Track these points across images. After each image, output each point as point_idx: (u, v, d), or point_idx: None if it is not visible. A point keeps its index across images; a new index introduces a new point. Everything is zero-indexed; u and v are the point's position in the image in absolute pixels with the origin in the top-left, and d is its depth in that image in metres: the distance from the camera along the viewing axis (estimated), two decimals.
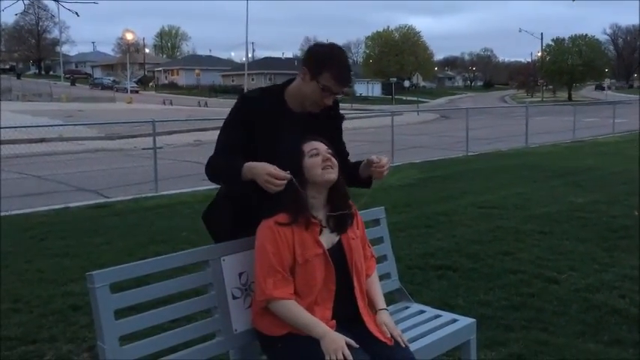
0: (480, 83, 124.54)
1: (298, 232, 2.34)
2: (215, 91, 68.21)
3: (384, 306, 2.54)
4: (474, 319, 2.98)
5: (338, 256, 2.40)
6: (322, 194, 2.43)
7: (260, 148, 2.50)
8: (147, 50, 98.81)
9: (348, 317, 2.40)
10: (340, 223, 2.45)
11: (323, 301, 2.36)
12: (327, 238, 2.41)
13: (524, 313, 4.12)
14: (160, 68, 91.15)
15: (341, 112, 2.77)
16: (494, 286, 4.69)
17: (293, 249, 2.32)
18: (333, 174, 2.39)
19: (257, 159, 2.41)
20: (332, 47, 2.54)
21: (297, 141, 2.45)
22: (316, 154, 2.39)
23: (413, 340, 2.69)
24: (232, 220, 2.63)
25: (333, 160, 2.41)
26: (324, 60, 2.46)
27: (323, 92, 2.47)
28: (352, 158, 2.82)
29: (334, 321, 2.34)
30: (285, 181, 2.32)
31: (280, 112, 2.55)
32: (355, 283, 2.44)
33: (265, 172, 2.32)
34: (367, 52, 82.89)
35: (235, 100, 2.64)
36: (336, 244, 2.43)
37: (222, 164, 2.50)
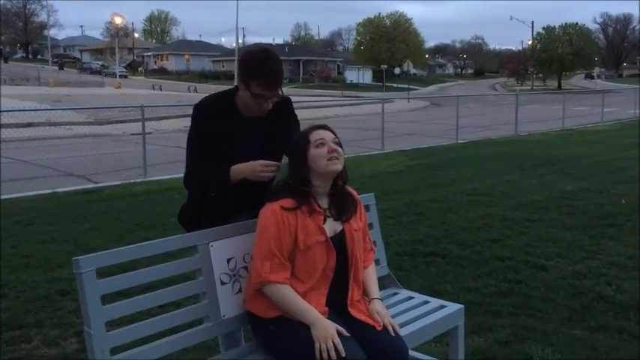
0: (470, 71, 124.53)
1: (302, 218, 2.34)
2: (205, 76, 67.75)
3: (378, 295, 2.55)
4: (462, 306, 2.99)
5: (339, 245, 2.41)
6: (327, 183, 2.43)
7: (219, 154, 2.55)
8: (136, 35, 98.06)
9: (341, 305, 2.40)
10: (343, 211, 2.46)
11: (319, 287, 2.36)
12: (331, 226, 2.41)
13: (511, 300, 4.15)
14: (150, 53, 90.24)
15: (297, 114, 2.78)
16: (483, 273, 4.72)
17: (295, 234, 2.32)
18: (338, 164, 2.40)
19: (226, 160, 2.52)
20: (257, 53, 2.53)
21: (303, 130, 2.47)
22: (322, 144, 2.38)
23: (402, 325, 2.69)
24: (212, 221, 2.59)
25: (339, 150, 2.42)
26: (250, 69, 2.49)
27: (256, 100, 2.50)
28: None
29: (327, 308, 2.35)
30: (275, 168, 2.48)
31: (233, 117, 2.58)
32: (351, 273, 2.45)
33: (256, 165, 2.48)
34: (358, 38, 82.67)
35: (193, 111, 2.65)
36: (339, 233, 2.43)
37: (208, 172, 2.57)
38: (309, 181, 2.39)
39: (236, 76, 2.55)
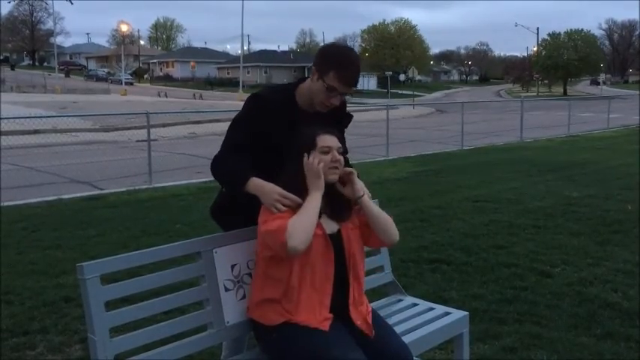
0: (475, 77, 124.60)
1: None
2: (210, 83, 67.99)
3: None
4: (466, 312, 2.98)
5: (336, 245, 2.40)
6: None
7: (272, 147, 2.50)
8: (142, 42, 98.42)
9: (342, 307, 2.38)
10: (338, 210, 2.44)
11: (321, 287, 2.33)
12: (327, 225, 2.40)
13: (517, 307, 4.13)
14: (155, 60, 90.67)
15: (348, 110, 2.76)
16: (488, 280, 4.70)
17: None
18: (336, 176, 2.40)
19: (266, 158, 2.45)
20: (341, 47, 2.56)
21: (311, 130, 2.42)
22: (327, 152, 2.37)
23: (405, 333, 2.69)
24: (245, 221, 2.56)
25: (341, 160, 2.41)
26: (331, 59, 2.46)
27: (328, 92, 2.46)
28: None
29: (331, 315, 2.32)
30: (290, 203, 2.33)
31: (291, 111, 2.54)
32: (350, 272, 2.43)
33: (275, 192, 2.33)
34: (363, 45, 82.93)
35: (248, 98, 2.62)
36: (335, 234, 2.42)
37: (229, 168, 2.50)
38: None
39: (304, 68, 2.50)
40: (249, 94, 2.74)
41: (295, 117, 2.53)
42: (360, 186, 2.45)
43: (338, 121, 2.66)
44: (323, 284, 2.35)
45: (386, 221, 2.48)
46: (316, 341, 2.23)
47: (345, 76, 2.43)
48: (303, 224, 2.25)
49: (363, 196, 2.44)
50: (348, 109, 2.78)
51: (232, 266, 2.52)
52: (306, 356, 2.23)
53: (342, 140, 2.52)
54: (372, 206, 2.48)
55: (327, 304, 2.35)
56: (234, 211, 2.63)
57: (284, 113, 2.52)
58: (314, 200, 2.31)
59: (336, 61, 2.44)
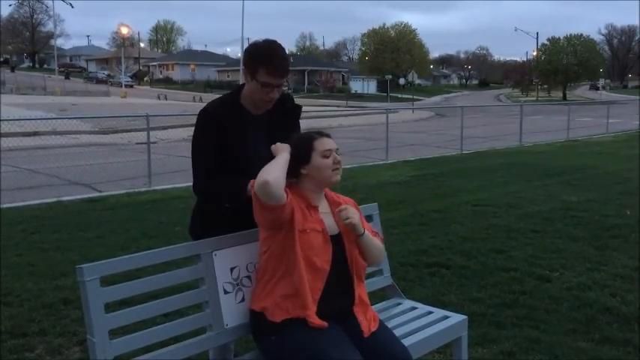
0: (475, 82, 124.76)
1: (298, 201, 2.36)
2: (210, 86, 67.95)
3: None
4: (465, 316, 2.98)
5: (337, 248, 2.40)
6: (322, 190, 2.47)
7: (230, 157, 2.56)
8: (142, 45, 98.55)
9: (343, 311, 2.39)
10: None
11: (315, 281, 2.33)
12: (328, 227, 2.42)
13: (516, 311, 4.13)
14: (155, 63, 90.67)
15: (297, 102, 2.82)
16: (487, 284, 4.70)
17: (292, 208, 2.31)
18: (339, 176, 2.44)
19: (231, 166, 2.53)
20: (264, 44, 2.57)
21: (306, 135, 2.45)
22: (328, 155, 2.39)
23: (404, 336, 2.69)
24: (227, 231, 2.57)
25: (341, 160, 2.45)
26: (257, 57, 2.52)
27: (264, 88, 2.52)
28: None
29: (324, 311, 2.31)
30: None
31: (241, 118, 2.60)
32: (354, 277, 2.44)
33: None
34: (363, 49, 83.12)
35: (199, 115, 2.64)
36: (337, 235, 2.43)
37: (223, 188, 2.53)
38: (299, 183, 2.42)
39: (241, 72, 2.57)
40: None
41: (245, 122, 2.60)
42: (357, 219, 2.42)
43: (289, 114, 2.72)
44: (317, 277, 2.34)
45: (379, 251, 2.54)
46: (315, 343, 2.23)
47: (274, 70, 2.50)
48: (265, 169, 2.26)
49: (364, 233, 2.46)
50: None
51: (232, 269, 2.52)
52: (305, 358, 2.23)
53: (297, 131, 2.65)
54: (370, 241, 2.49)
55: (318, 294, 2.33)
56: (213, 224, 2.64)
57: (234, 121, 2.58)
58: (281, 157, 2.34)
59: (262, 57, 2.51)
